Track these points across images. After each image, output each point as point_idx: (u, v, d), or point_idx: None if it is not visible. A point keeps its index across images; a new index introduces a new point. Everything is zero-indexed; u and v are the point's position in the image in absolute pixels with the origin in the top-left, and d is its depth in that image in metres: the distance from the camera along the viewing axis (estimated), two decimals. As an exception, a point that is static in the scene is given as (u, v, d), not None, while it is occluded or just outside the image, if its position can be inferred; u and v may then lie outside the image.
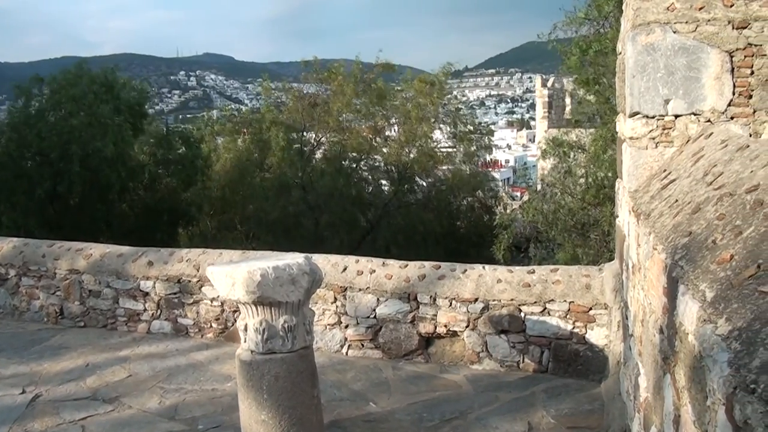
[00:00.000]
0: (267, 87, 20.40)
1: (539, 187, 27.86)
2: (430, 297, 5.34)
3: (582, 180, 11.51)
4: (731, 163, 2.94)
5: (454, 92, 21.83)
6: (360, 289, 5.54)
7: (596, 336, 5.02)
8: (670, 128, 4.26)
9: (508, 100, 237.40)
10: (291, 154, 19.86)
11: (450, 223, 19.48)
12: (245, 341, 3.82)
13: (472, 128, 19.90)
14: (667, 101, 4.23)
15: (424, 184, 20.00)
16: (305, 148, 19.89)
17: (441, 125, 20.06)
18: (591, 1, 10.43)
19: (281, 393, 3.70)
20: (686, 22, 4.17)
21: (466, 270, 5.39)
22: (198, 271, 6.09)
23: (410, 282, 5.42)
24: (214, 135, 20.96)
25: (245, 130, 21.51)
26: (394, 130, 19.86)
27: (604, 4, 9.63)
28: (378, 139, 20.07)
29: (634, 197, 4.10)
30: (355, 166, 19.87)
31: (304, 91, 20.43)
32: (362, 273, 5.59)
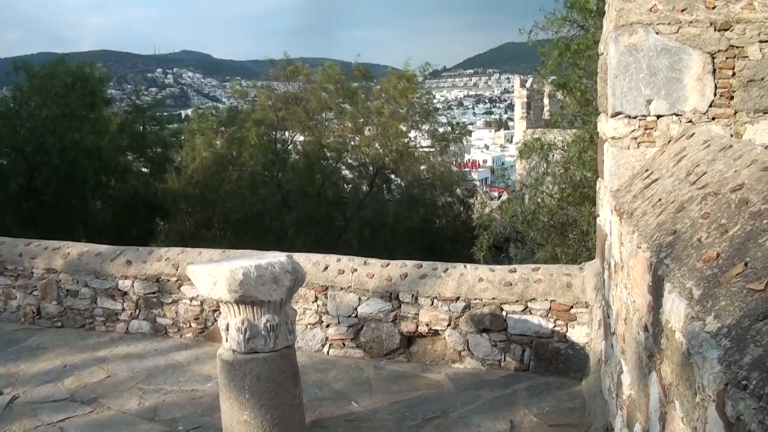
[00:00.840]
0: (238, 89, 20.24)
1: (518, 187, 28.10)
2: (412, 296, 5.33)
3: (560, 180, 11.58)
4: (714, 163, 2.97)
5: (433, 92, 21.79)
6: (341, 288, 5.51)
7: (577, 334, 5.04)
8: (652, 128, 4.29)
9: (486, 101, 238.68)
10: (266, 152, 19.77)
11: (426, 220, 19.50)
12: (227, 341, 3.78)
13: (451, 128, 19.96)
14: (649, 101, 4.26)
15: (401, 182, 20.01)
16: (280, 147, 19.80)
17: (417, 123, 20.08)
18: (572, 2, 10.50)
19: (263, 393, 3.66)
20: (669, 24, 4.21)
21: (447, 269, 5.39)
22: (177, 270, 6.01)
23: (392, 281, 5.40)
24: (193, 133, 20.78)
25: (223, 129, 21.38)
26: (370, 129, 19.84)
27: (585, 4, 9.69)
28: (356, 137, 20.04)
29: (617, 197, 4.13)
30: (332, 164, 19.83)
31: (282, 90, 20.32)
32: (344, 272, 5.57)
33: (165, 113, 23.51)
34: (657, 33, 4.22)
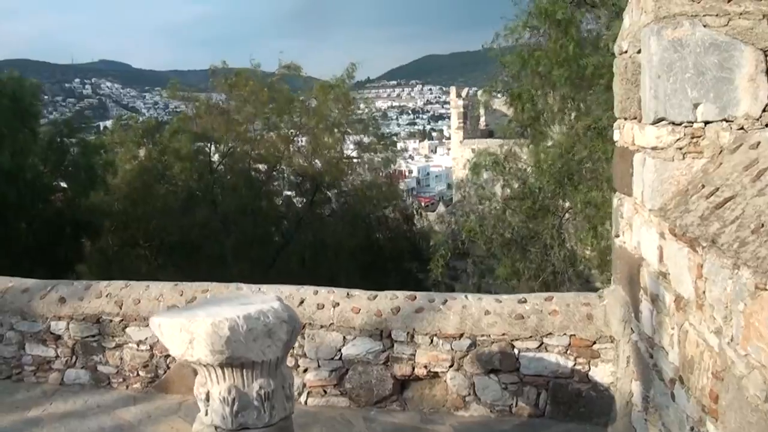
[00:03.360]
0: (174, 89, 18.82)
1: (455, 198, 27.75)
2: (407, 333, 4.56)
3: (519, 193, 11.08)
4: None
5: (362, 104, 21.11)
6: (322, 326, 4.68)
7: (601, 373, 4.40)
8: (700, 137, 3.68)
9: (410, 112, 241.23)
10: (198, 166, 18.58)
11: (366, 235, 18.76)
12: (206, 414, 2.91)
13: (386, 140, 19.34)
14: (696, 105, 3.65)
15: (336, 194, 19.20)
16: (212, 160, 18.64)
17: (349, 134, 19.36)
18: (538, 9, 10.02)
19: (258, 482, 2.81)
20: (717, 15, 3.62)
21: (446, 301, 4.65)
22: (120, 308, 5.02)
23: (382, 316, 4.61)
24: (115, 144, 19.29)
25: (144, 140, 19.97)
26: (303, 140, 18.96)
27: (551, 12, 9.21)
28: (289, 148, 19.10)
29: (668, 217, 3.49)
30: (264, 178, 18.82)
31: (213, 99, 19.15)
32: (323, 307, 4.73)
33: (83, 125, 21.83)
34: (704, 26, 3.62)
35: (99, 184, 15.87)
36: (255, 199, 16.41)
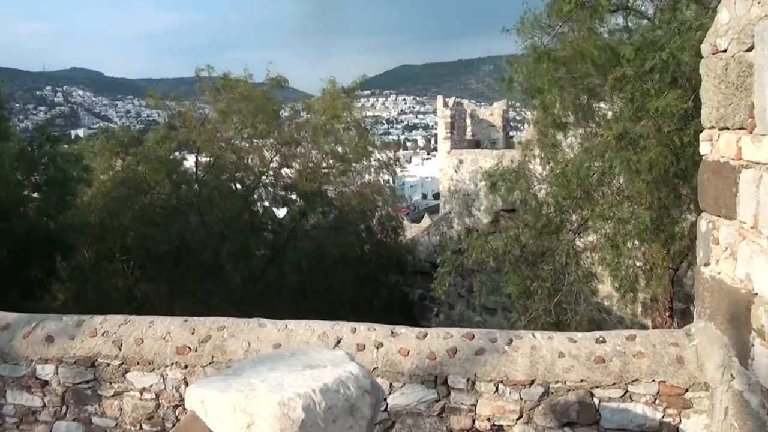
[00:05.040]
0: (154, 96, 17.88)
1: (444, 208, 27.16)
2: (467, 380, 3.87)
3: (533, 209, 10.46)
4: None
5: (355, 113, 20.50)
6: (364, 371, 3.95)
7: (693, 426, 3.76)
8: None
9: (384, 122, 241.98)
10: (181, 177, 17.75)
11: (360, 246, 18.11)
12: None
13: (387, 153, 18.72)
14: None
15: (327, 204, 18.49)
16: (197, 169, 17.78)
17: (343, 144, 18.70)
18: (546, 8, 9.44)
19: None
20: None
21: (512, 340, 3.97)
22: (120, 349, 4.25)
23: (436, 359, 3.92)
24: (91, 153, 18.34)
25: (120, 150, 19.03)
26: (298, 149, 18.22)
27: (562, 6, 8.59)
28: (276, 158, 18.37)
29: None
30: (251, 188, 18.04)
31: (197, 108, 18.31)
32: (364, 348, 4.03)
33: (55, 133, 20.80)
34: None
35: (74, 196, 14.95)
36: (242, 210, 15.64)
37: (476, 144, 27.44)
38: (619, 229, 8.76)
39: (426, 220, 28.46)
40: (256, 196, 17.89)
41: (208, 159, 17.68)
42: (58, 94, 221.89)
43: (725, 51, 3.68)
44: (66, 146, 18.09)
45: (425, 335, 4.06)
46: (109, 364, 4.27)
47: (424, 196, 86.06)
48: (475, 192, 17.89)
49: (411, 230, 26.24)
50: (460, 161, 24.17)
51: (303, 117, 18.39)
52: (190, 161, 18.51)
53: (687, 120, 6.74)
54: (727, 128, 3.68)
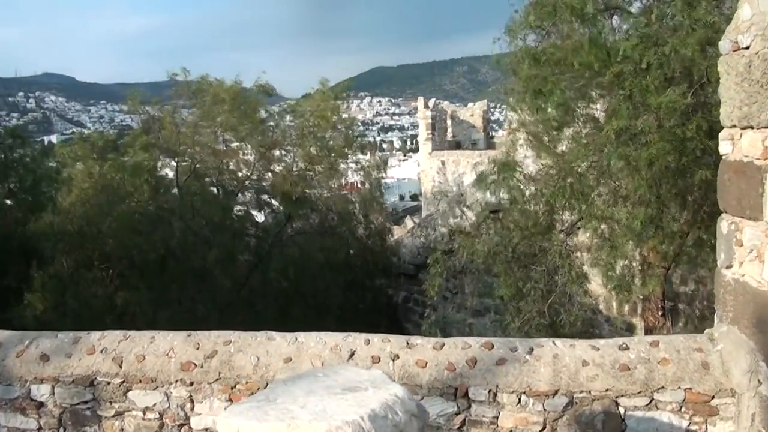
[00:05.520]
0: (134, 101, 17.49)
1: (426, 210, 27.03)
2: (489, 391, 3.73)
3: (524, 209, 10.36)
4: None
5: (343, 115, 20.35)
6: (380, 385, 3.80)
7: (720, 434, 3.66)
8: None
9: (359, 124, 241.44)
10: (163, 182, 17.42)
11: (346, 251, 17.91)
12: None
13: (376, 155, 18.56)
14: None
15: (313, 209, 18.25)
16: (177, 175, 17.43)
17: (330, 148, 18.50)
18: (535, 8, 9.33)
19: None
20: None
21: (533, 349, 3.84)
22: (120, 367, 4.04)
23: (455, 370, 3.78)
24: (67, 159, 17.90)
25: (97, 156, 18.60)
26: (282, 153, 17.97)
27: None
28: (259, 162, 18.09)
29: None
30: (235, 193, 17.75)
31: (178, 112, 17.97)
32: (380, 360, 3.87)
33: (30, 138, 20.34)
34: None
35: (50, 203, 14.57)
36: (224, 215, 15.36)
37: (457, 145, 27.38)
38: (615, 229, 8.70)
39: (408, 222, 28.34)
40: (239, 201, 17.61)
41: (188, 164, 17.34)
42: (31, 100, 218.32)
43: (747, 48, 3.60)
44: (37, 149, 17.65)
45: (442, 345, 3.92)
46: (109, 383, 4.06)
47: (402, 198, 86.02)
48: (458, 194, 17.80)
49: (393, 232, 26.10)
50: (443, 162, 24.11)
51: (287, 120, 18.14)
52: (169, 167, 18.15)
53: (688, 115, 6.70)
54: (751, 127, 3.59)
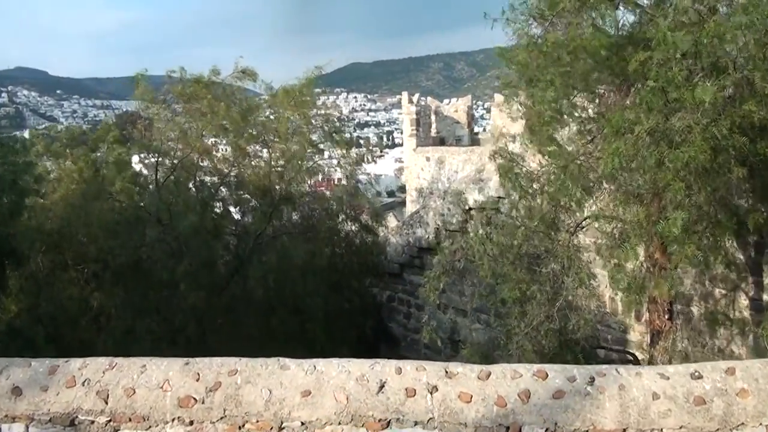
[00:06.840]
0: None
1: (410, 206, 26.50)
2: (546, 430, 3.20)
3: (527, 207, 9.88)
4: None
5: (324, 106, 19.69)
6: (417, 423, 3.26)
7: (810, 475, 3.17)
8: None
9: (336, 120, 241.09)
10: (142, 181, 16.64)
11: (332, 252, 17.27)
12: None
13: (365, 149, 17.96)
14: None
15: (296, 208, 17.57)
16: (158, 174, 16.65)
17: (320, 142, 17.88)
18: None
19: None
20: None
21: (594, 379, 3.32)
22: (106, 402, 3.44)
23: (507, 406, 3.24)
24: (44, 155, 17.07)
25: (70, 152, 17.77)
26: (261, 150, 17.23)
27: None
28: (244, 160, 17.34)
29: None
30: (216, 193, 16.99)
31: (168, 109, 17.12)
32: (415, 393, 3.32)
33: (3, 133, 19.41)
34: None
35: (24, 202, 13.79)
36: (203, 215, 14.62)
37: (441, 141, 26.87)
38: (627, 230, 8.24)
39: (392, 220, 27.80)
40: (218, 197, 16.85)
41: (168, 161, 16.56)
42: (3, 94, 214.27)
43: None
44: (18, 147, 16.75)
45: (488, 375, 3.38)
46: (93, 422, 3.46)
47: (379, 194, 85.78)
48: (457, 191, 17.24)
49: (379, 231, 25.50)
50: (427, 159, 23.62)
51: (267, 113, 17.40)
52: (146, 164, 17.33)
53: (722, 110, 6.21)
54: None
